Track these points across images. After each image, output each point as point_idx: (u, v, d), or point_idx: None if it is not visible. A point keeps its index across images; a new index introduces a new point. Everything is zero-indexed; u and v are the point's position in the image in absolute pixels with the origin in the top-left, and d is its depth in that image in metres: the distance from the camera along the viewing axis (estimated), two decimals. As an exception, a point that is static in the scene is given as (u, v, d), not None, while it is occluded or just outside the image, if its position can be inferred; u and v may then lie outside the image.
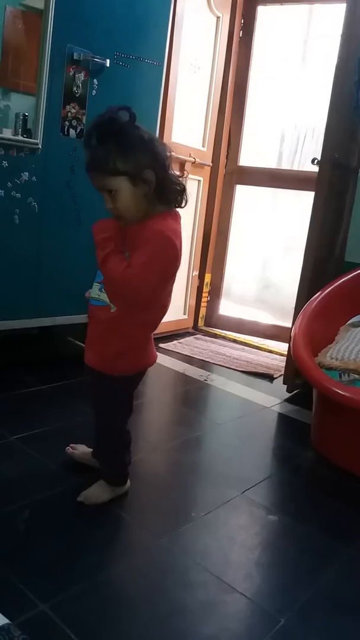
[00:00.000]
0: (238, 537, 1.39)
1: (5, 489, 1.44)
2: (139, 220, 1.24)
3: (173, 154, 1.30)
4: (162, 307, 1.34)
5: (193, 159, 2.93)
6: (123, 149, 1.19)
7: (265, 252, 3.68)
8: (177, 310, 3.18)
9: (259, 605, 1.16)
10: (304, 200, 2.77)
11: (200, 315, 3.38)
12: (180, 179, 1.28)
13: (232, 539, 1.38)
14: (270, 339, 3.26)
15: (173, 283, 1.32)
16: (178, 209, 1.29)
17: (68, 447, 1.60)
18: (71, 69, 2.04)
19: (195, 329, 3.36)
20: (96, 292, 1.31)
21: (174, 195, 1.26)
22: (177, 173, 1.29)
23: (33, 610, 1.05)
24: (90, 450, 1.57)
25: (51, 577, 1.16)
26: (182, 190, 1.27)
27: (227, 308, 3.49)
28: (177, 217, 1.28)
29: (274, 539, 1.44)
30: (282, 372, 2.53)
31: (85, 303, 1.37)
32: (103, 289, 1.29)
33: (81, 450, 1.59)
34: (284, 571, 1.31)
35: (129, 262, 1.22)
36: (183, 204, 1.29)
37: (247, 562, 1.30)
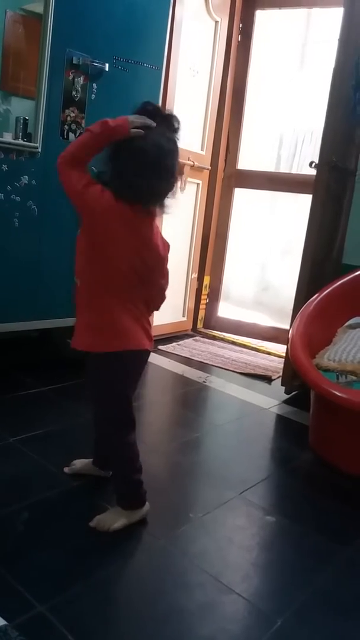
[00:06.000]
0: (236, 538, 1.40)
1: (4, 490, 1.44)
2: None
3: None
4: (115, 269, 1.26)
5: (192, 163, 2.94)
6: None
7: (264, 254, 3.70)
8: (176, 313, 3.19)
9: (256, 606, 1.17)
10: (302, 203, 2.79)
11: (199, 317, 3.39)
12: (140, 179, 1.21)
13: (230, 539, 1.39)
14: (268, 340, 3.27)
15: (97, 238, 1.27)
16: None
17: (65, 468, 1.56)
18: (70, 73, 2.05)
19: (194, 331, 3.36)
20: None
21: (124, 188, 1.22)
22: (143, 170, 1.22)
23: (31, 611, 1.06)
24: (89, 460, 1.56)
25: (49, 579, 1.16)
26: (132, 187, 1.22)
27: (225, 310, 3.50)
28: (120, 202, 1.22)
29: (272, 539, 1.44)
30: (280, 374, 2.54)
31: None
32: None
33: (80, 464, 1.57)
34: (281, 572, 1.32)
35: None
36: (129, 196, 1.22)
37: (245, 563, 1.31)
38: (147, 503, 1.40)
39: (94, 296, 1.29)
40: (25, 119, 2.03)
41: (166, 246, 1.35)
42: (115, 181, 1.24)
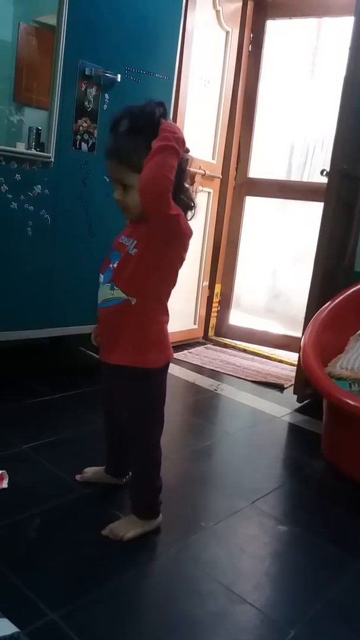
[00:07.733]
0: (248, 547, 1.39)
1: (17, 497, 1.45)
2: (141, 217, 1.22)
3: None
4: (173, 283, 1.29)
5: (203, 172, 2.95)
6: (151, 147, 1.14)
7: (275, 262, 3.70)
8: (187, 320, 3.19)
9: (269, 616, 1.16)
10: (313, 211, 2.79)
11: (211, 325, 3.39)
12: (193, 193, 1.28)
13: (241, 549, 1.38)
14: (280, 348, 3.26)
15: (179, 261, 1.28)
16: None
17: (77, 475, 1.55)
18: (83, 84, 2.08)
19: (206, 339, 3.36)
20: (107, 292, 1.27)
21: (182, 207, 1.25)
22: (188, 186, 1.28)
23: (43, 619, 1.06)
24: (101, 468, 1.56)
25: (61, 586, 1.16)
26: (191, 205, 1.27)
27: (237, 318, 3.50)
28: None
29: (284, 549, 1.43)
30: (293, 382, 2.52)
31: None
32: (115, 286, 1.25)
33: (91, 472, 1.56)
34: (293, 582, 1.30)
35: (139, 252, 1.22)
36: (189, 217, 1.27)
37: (257, 573, 1.30)
38: (160, 515, 1.39)
39: (149, 312, 1.26)
40: (38, 129, 2.06)
41: None
42: (180, 196, 1.23)
